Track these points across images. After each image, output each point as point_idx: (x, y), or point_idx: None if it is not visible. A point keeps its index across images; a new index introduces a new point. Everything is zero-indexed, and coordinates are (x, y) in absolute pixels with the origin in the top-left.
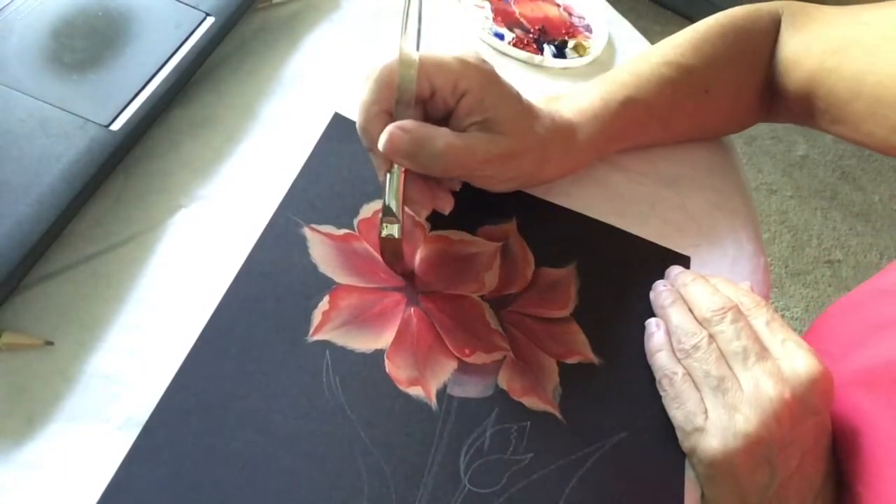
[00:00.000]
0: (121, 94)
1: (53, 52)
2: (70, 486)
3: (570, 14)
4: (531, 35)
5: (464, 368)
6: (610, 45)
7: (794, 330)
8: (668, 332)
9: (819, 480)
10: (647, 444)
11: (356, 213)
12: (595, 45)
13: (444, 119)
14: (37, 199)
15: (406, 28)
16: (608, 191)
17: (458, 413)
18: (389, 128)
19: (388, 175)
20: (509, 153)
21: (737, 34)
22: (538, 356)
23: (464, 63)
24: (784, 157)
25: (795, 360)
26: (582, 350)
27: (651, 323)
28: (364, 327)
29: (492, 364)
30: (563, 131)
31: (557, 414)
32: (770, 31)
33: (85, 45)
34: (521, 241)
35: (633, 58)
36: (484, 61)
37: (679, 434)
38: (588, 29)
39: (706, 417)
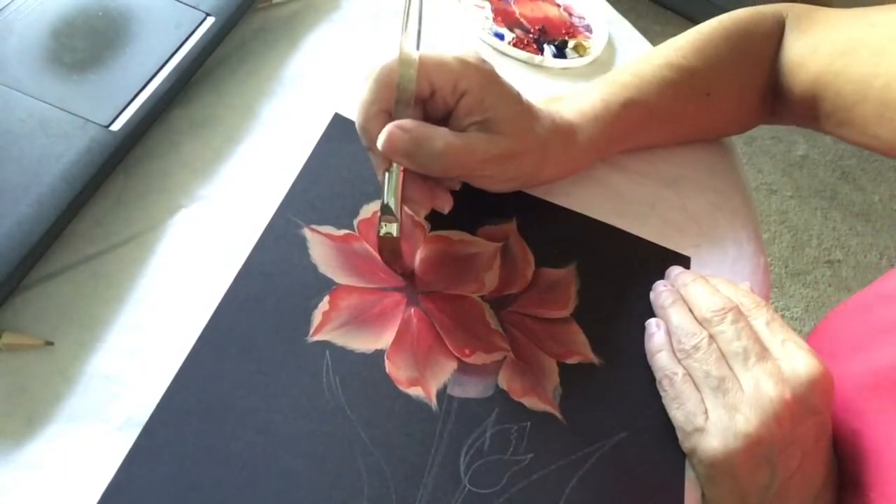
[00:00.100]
0: (121, 94)
1: (53, 52)
2: (70, 486)
3: (570, 14)
4: (531, 35)
5: (464, 369)
6: (610, 45)
7: (795, 330)
8: (669, 333)
9: (819, 480)
10: (647, 445)
11: (356, 213)
12: (595, 46)
13: (443, 119)
14: (37, 199)
15: (406, 27)
16: (608, 191)
17: (458, 413)
18: (388, 127)
19: (387, 174)
20: (509, 153)
21: (740, 36)
22: (538, 356)
23: (464, 63)
24: (784, 157)
25: (796, 360)
26: (582, 350)
27: (651, 323)
28: (364, 327)
29: (492, 364)
30: (563, 132)
31: (557, 414)
32: (774, 34)
33: (85, 45)
34: (521, 241)
35: (636, 59)
36: (484, 61)
37: (679, 434)
38: (588, 29)
39: (706, 418)
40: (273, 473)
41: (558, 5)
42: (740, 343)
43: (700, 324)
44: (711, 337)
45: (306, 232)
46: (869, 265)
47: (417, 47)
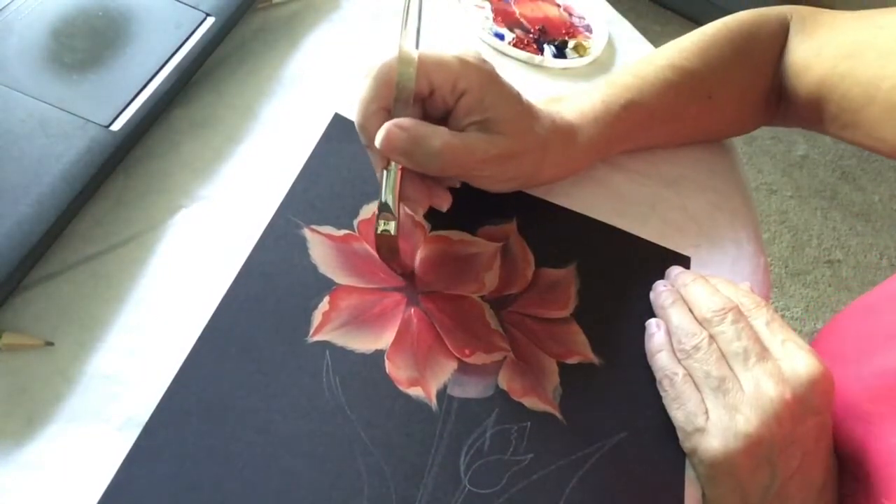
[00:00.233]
0: (121, 94)
1: (53, 52)
2: (70, 486)
3: (570, 14)
4: (531, 35)
5: (464, 369)
6: (610, 45)
7: (795, 330)
8: (669, 333)
9: (820, 481)
10: (647, 444)
11: (356, 213)
12: (595, 46)
13: (443, 118)
14: (37, 199)
15: (406, 26)
16: (608, 191)
17: (458, 413)
18: (387, 125)
19: (385, 172)
20: (508, 153)
21: (744, 39)
22: (538, 356)
23: (463, 62)
24: (784, 157)
25: (796, 360)
26: (582, 350)
27: (651, 323)
28: (364, 328)
29: (492, 364)
30: (563, 133)
31: (557, 414)
32: (778, 36)
33: (85, 45)
34: (521, 241)
35: (638, 60)
36: (484, 61)
37: (680, 434)
38: (588, 29)
39: (707, 418)
40: (273, 473)
41: (558, 5)
42: (740, 343)
43: (700, 324)
44: (712, 337)
45: (306, 232)
46: (869, 265)
47: (417, 46)
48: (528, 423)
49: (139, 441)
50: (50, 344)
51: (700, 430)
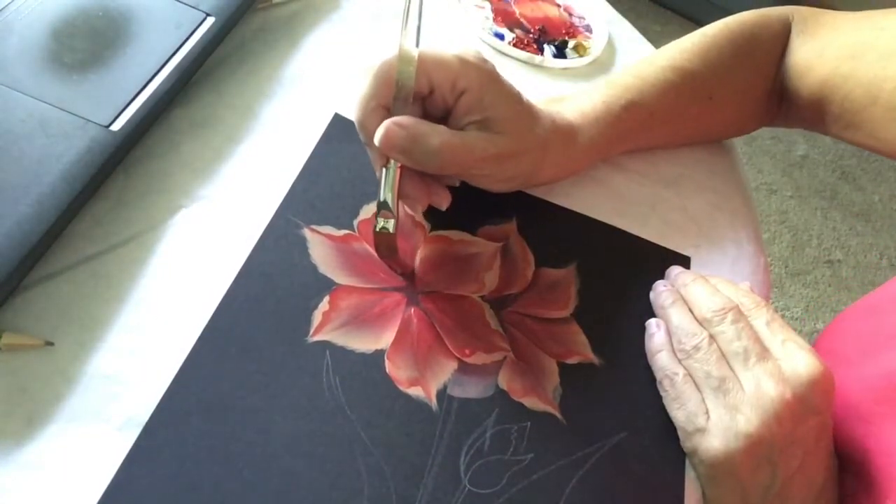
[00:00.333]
0: (121, 94)
1: (53, 53)
2: (70, 486)
3: (570, 14)
4: (531, 35)
5: (464, 369)
6: (610, 45)
7: (795, 330)
8: (669, 333)
9: (820, 480)
10: (647, 444)
11: (356, 213)
12: (595, 46)
13: (443, 117)
14: (37, 199)
15: (406, 25)
16: (609, 191)
17: (458, 413)
18: (386, 123)
19: (384, 170)
20: (507, 153)
21: (745, 40)
22: (538, 356)
23: (463, 61)
24: (784, 157)
25: (796, 360)
26: (582, 350)
27: (651, 323)
28: (364, 328)
29: (492, 364)
30: (563, 133)
31: (557, 414)
32: (780, 37)
33: (85, 46)
34: (521, 241)
35: (639, 60)
36: (484, 60)
37: (680, 434)
38: (588, 29)
39: (708, 418)
40: (273, 473)
41: (558, 5)
42: (741, 343)
43: (700, 324)
44: (712, 337)
45: (306, 232)
46: (869, 265)
47: (417, 45)
48: (528, 423)
49: (139, 441)
50: (50, 344)
51: (700, 430)
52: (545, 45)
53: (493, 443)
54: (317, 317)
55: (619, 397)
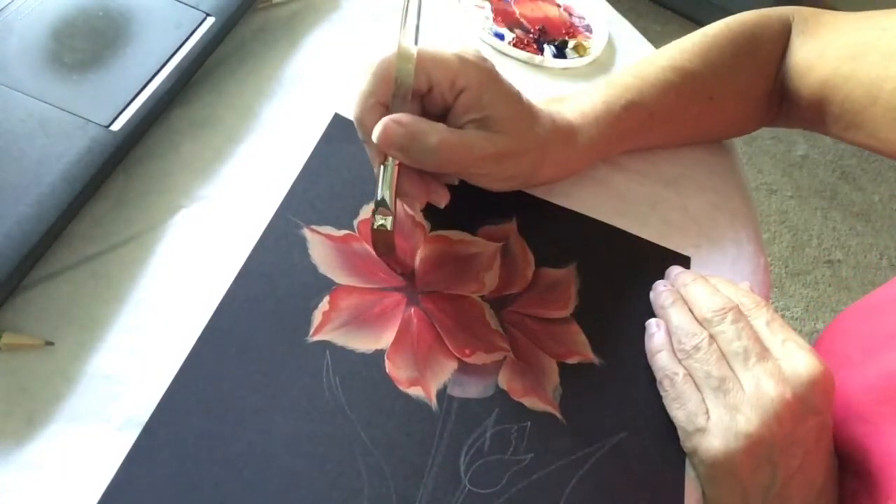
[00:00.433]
0: (121, 94)
1: (53, 53)
2: (70, 486)
3: (570, 14)
4: (531, 35)
5: (464, 369)
6: (610, 45)
7: (795, 330)
8: (669, 333)
9: (820, 480)
10: (647, 444)
11: (356, 213)
12: (595, 46)
13: (442, 115)
14: (37, 199)
15: (405, 22)
16: (609, 191)
17: (458, 413)
18: (384, 120)
19: (382, 167)
20: (506, 152)
21: (746, 40)
22: (538, 356)
23: (463, 60)
24: (784, 157)
25: (796, 360)
26: (582, 350)
27: (651, 323)
28: (364, 328)
29: (492, 364)
30: (563, 133)
31: (557, 414)
32: (780, 37)
33: (85, 45)
34: (521, 241)
35: (639, 60)
36: (484, 59)
37: (681, 434)
38: (588, 29)
39: (708, 418)
40: (273, 473)
41: (558, 5)
42: (741, 343)
43: (700, 324)
44: (712, 337)
45: (306, 232)
46: (869, 265)
47: (416, 42)
48: (528, 423)
49: (139, 441)
50: (50, 344)
51: (701, 430)
52: (545, 45)
53: (493, 443)
54: (317, 317)
55: (619, 397)
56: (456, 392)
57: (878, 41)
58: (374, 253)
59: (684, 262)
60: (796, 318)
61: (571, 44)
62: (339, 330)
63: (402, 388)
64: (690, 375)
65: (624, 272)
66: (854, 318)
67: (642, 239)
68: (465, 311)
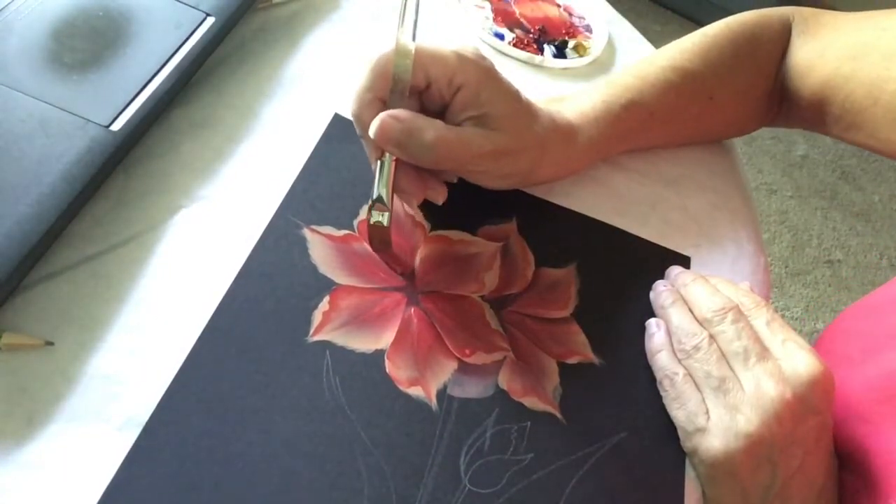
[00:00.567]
0: (121, 94)
1: (53, 53)
2: (70, 486)
3: (570, 14)
4: (531, 35)
5: (464, 369)
6: (610, 45)
7: (795, 330)
8: (669, 333)
9: (820, 480)
10: (648, 444)
11: (356, 214)
12: (595, 46)
13: (440, 112)
14: (37, 199)
15: (403, 19)
16: (609, 191)
17: (458, 413)
18: (381, 115)
19: (380, 163)
20: (504, 150)
21: (746, 40)
22: (538, 356)
23: (461, 57)
24: (784, 157)
25: (796, 360)
26: (582, 350)
27: (651, 323)
28: (364, 327)
29: (492, 364)
30: (562, 132)
31: (557, 414)
32: (780, 38)
33: (85, 46)
34: (521, 241)
35: (640, 60)
36: (482, 57)
37: (681, 434)
38: (588, 29)
39: (708, 418)
40: (273, 473)
41: (558, 5)
42: (741, 343)
43: (700, 324)
44: (712, 337)
45: (306, 232)
46: (869, 265)
47: (413, 39)
48: (528, 423)
49: (139, 441)
50: (50, 344)
51: (701, 430)
52: (545, 45)
53: (493, 443)
54: (317, 317)
55: (619, 397)
56: (456, 392)
57: (879, 41)
58: (374, 253)
59: (684, 262)
60: (796, 318)
61: (571, 44)
62: (339, 330)
63: (402, 388)
64: (690, 375)
65: (624, 272)
66: (854, 318)
67: (642, 239)
68: (465, 311)
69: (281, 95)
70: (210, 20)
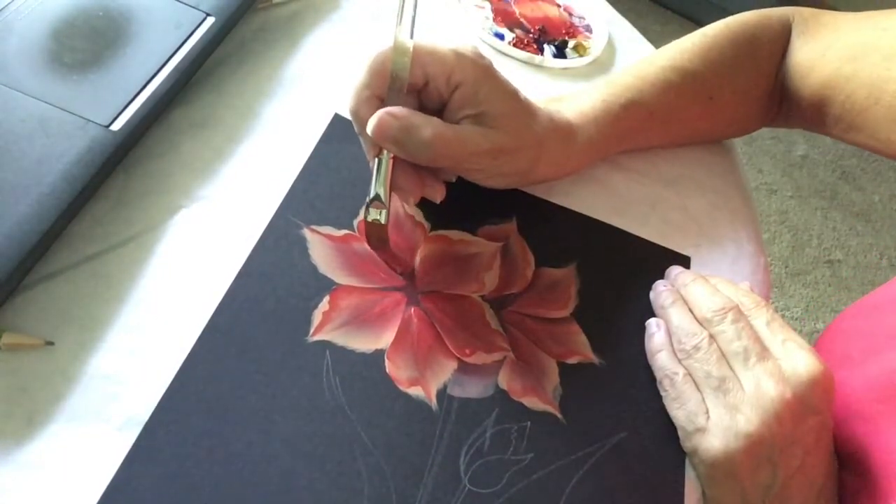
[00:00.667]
0: (121, 94)
1: (53, 53)
2: (70, 486)
3: (570, 14)
4: (531, 35)
5: (464, 369)
6: (610, 45)
7: (795, 330)
8: (669, 333)
9: (821, 480)
10: (647, 444)
11: (356, 213)
12: (595, 46)
13: (438, 110)
14: (37, 199)
15: (401, 16)
16: (608, 190)
17: (458, 413)
18: (379, 112)
19: (377, 160)
20: (501, 148)
21: (746, 40)
22: (538, 356)
23: (459, 55)
24: (784, 157)
25: (796, 360)
26: (582, 350)
27: (651, 323)
28: (364, 327)
29: (492, 364)
30: (561, 131)
31: (557, 414)
32: (780, 37)
33: (85, 45)
34: (521, 241)
35: (640, 60)
36: (481, 56)
37: (681, 434)
38: (588, 29)
39: (708, 418)
40: (273, 473)
41: (558, 5)
42: (741, 343)
43: (700, 324)
44: (712, 337)
45: (306, 232)
46: (869, 265)
47: (412, 36)
48: (528, 423)
49: (139, 441)
50: (50, 344)
51: (701, 430)
52: (545, 45)
53: (493, 443)
54: (317, 316)
55: (619, 397)
56: (456, 392)
57: (879, 42)
58: (374, 253)
59: (684, 262)
60: (796, 318)
61: (571, 44)
62: (339, 330)
63: (402, 387)
64: (690, 375)
65: (624, 272)
66: (854, 318)
67: (642, 239)
68: (466, 310)
69: (281, 95)
70: (210, 20)
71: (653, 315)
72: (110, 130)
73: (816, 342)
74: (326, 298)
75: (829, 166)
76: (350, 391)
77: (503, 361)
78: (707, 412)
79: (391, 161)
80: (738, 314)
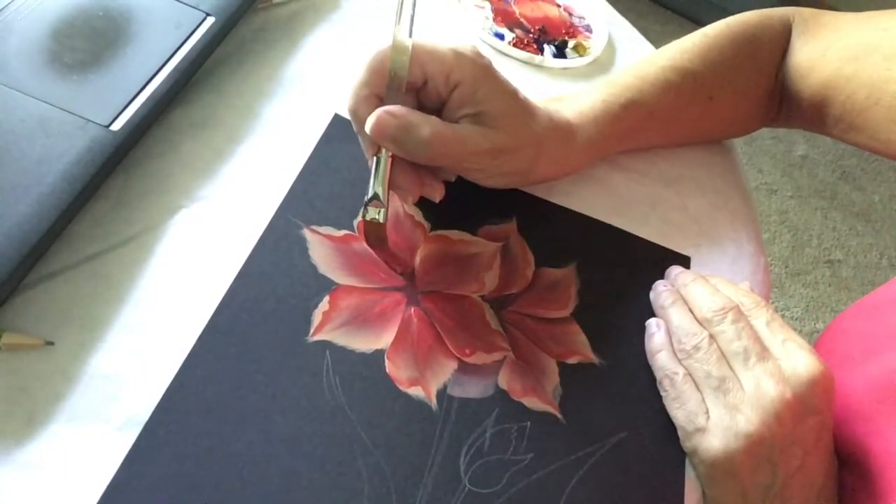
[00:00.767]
0: (121, 94)
1: (53, 53)
2: (70, 486)
3: (570, 14)
4: (531, 35)
5: (464, 369)
6: (610, 45)
7: (795, 330)
8: (669, 333)
9: (820, 480)
10: (647, 444)
11: (356, 214)
12: (595, 46)
13: (437, 110)
14: (37, 199)
15: (400, 15)
16: (608, 190)
17: (458, 413)
18: (377, 111)
19: (376, 159)
20: (500, 148)
21: (746, 40)
22: (538, 356)
23: (458, 54)
24: (784, 157)
25: (796, 360)
26: (582, 350)
27: (651, 323)
28: (364, 327)
29: (492, 364)
30: (560, 131)
31: (557, 414)
32: (780, 37)
33: (85, 45)
34: (521, 241)
35: (640, 60)
36: (480, 55)
37: (680, 434)
38: (588, 29)
39: (708, 418)
40: (273, 474)
41: (558, 5)
42: (741, 343)
43: (700, 324)
44: (712, 337)
45: (306, 232)
46: (869, 265)
47: (410, 35)
48: (528, 423)
49: (139, 441)
50: (50, 344)
51: (701, 430)
52: (545, 45)
53: (493, 443)
54: (317, 316)
55: (619, 397)
56: (456, 392)
57: (880, 42)
58: (374, 253)
59: (684, 262)
60: (796, 318)
61: (571, 44)
62: (339, 330)
63: (402, 388)
64: (690, 375)
65: (624, 272)
66: (854, 318)
67: (642, 239)
68: (465, 310)
69: (281, 95)
70: (210, 20)
71: (653, 315)
72: (110, 130)
73: (816, 342)
74: (326, 298)
75: (829, 166)
76: (350, 391)
77: (503, 361)
78: (707, 412)
79: (390, 160)
80: (738, 314)
